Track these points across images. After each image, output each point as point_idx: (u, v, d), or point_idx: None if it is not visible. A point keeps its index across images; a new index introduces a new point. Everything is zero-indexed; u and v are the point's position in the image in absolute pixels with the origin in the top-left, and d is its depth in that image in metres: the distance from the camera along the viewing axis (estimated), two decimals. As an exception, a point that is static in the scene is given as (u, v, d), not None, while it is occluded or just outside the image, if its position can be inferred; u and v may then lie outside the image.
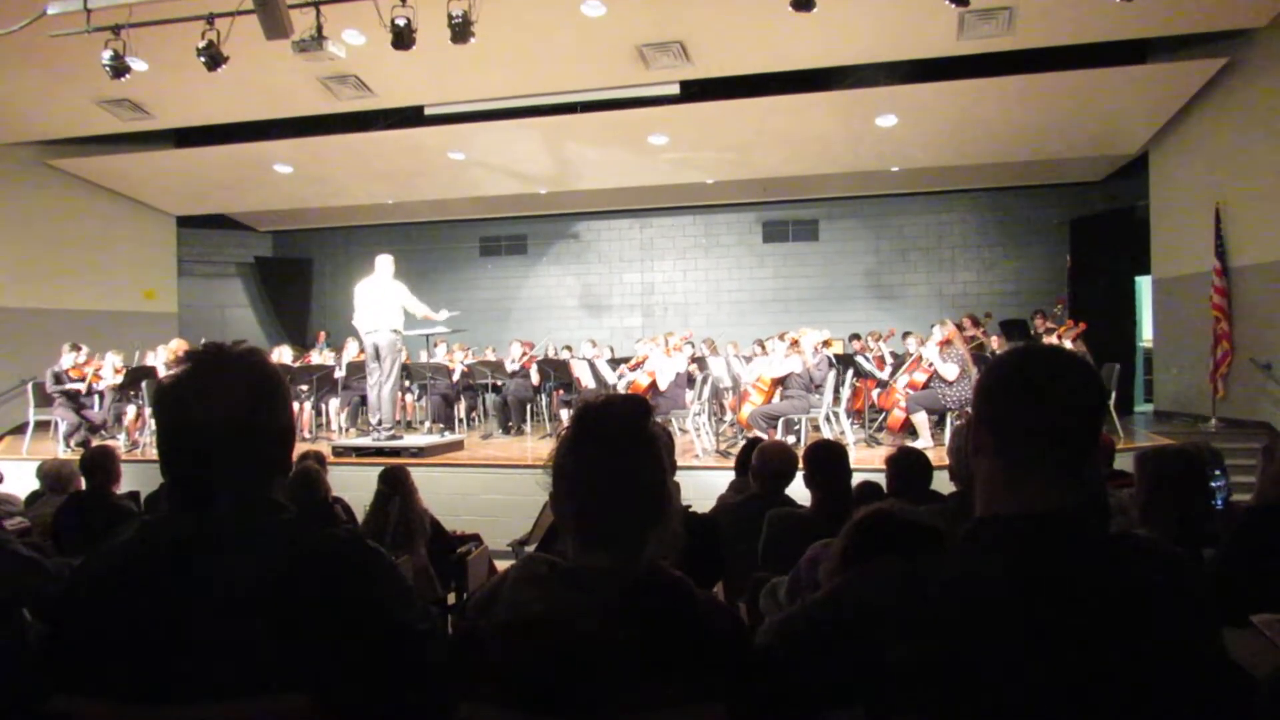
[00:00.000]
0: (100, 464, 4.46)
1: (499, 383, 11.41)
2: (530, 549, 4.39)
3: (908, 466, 3.85)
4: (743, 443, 5.75)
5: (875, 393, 10.13)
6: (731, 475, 5.10)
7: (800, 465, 4.01)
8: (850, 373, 9.58)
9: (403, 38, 7.04)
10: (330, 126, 11.53)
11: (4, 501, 4.95)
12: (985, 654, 1.12)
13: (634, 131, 11.57)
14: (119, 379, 10.23)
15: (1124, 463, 5.04)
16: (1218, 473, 3.28)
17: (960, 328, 9.45)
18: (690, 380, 9.53)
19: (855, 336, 12.36)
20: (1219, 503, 3.27)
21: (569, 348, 12.95)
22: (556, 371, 11.02)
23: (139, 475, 6.76)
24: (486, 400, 12.44)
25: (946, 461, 3.70)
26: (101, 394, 10.47)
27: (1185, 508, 2.60)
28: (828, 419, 8.86)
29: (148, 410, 9.74)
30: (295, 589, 1.30)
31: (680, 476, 2.78)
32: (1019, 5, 8.10)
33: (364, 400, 10.20)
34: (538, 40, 8.98)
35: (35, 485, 5.28)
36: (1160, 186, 11.47)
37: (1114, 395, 9.05)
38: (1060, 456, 1.22)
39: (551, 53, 9.33)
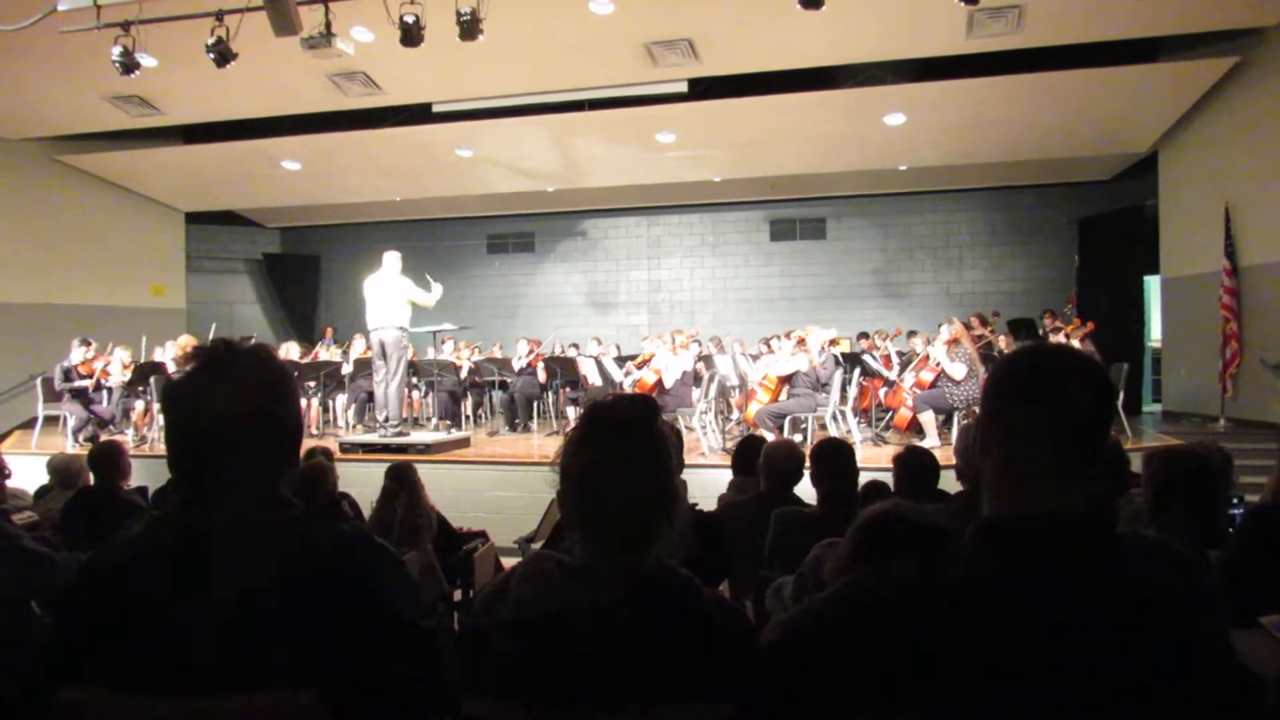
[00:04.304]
0: (108, 459, 4.48)
1: (506, 380, 11.43)
2: (537, 546, 4.40)
3: (914, 466, 3.84)
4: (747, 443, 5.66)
5: (882, 392, 10.11)
6: (737, 474, 5.07)
7: (807, 463, 4.02)
8: (857, 371, 9.56)
9: (411, 35, 7.05)
10: (338, 123, 11.54)
11: (13, 496, 4.96)
12: (992, 654, 1.12)
13: (642, 129, 11.56)
14: (127, 374, 10.27)
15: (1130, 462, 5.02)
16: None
17: (968, 327, 9.43)
18: (697, 378, 9.53)
19: (863, 335, 12.32)
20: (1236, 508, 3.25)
21: (575, 345, 12.96)
22: (563, 369, 11.02)
23: (147, 470, 6.78)
24: (493, 397, 12.49)
25: (953, 461, 3.69)
26: (110, 389, 10.51)
27: (1193, 509, 2.59)
28: (834, 418, 8.84)
29: (156, 406, 9.78)
30: (302, 584, 1.31)
31: (686, 475, 2.78)
32: (1028, 4, 8.06)
33: (371, 397, 10.22)
34: (546, 38, 8.97)
35: (44, 480, 5.31)
36: (1170, 186, 11.43)
37: (1122, 395, 9.02)
38: (1068, 456, 1.22)
39: (560, 50, 9.33)
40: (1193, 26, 9.06)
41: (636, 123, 11.29)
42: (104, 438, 8.36)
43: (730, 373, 9.72)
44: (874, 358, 10.10)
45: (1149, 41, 9.58)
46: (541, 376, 11.09)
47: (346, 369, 11.23)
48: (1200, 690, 1.12)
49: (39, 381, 10.60)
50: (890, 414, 9.81)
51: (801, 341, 8.86)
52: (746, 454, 4.69)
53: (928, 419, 8.51)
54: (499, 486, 7.95)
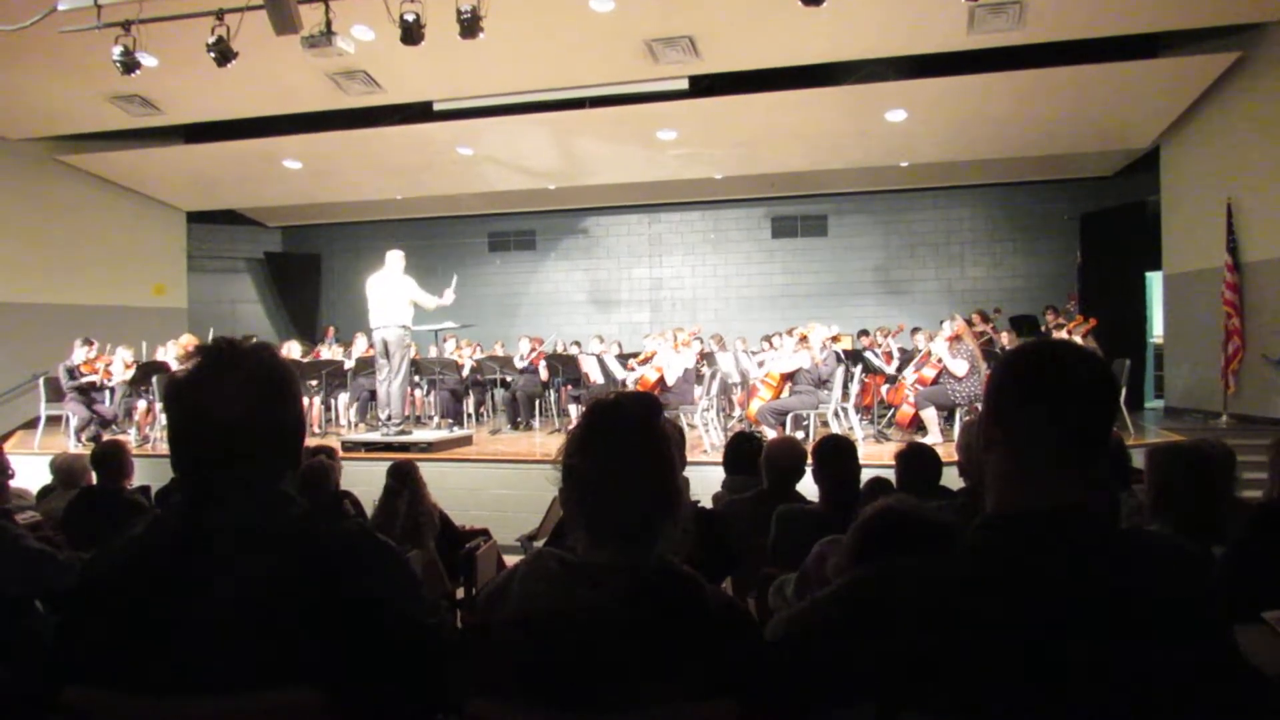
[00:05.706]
0: (111, 459, 4.48)
1: (508, 378, 11.43)
2: (539, 544, 4.40)
3: (917, 462, 3.83)
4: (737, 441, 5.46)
5: (884, 388, 10.11)
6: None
7: (809, 460, 4.01)
8: (859, 368, 9.56)
9: (411, 33, 7.05)
10: (339, 122, 11.54)
11: (16, 496, 4.96)
12: (995, 650, 1.12)
13: (642, 127, 11.56)
14: (130, 374, 10.28)
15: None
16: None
17: (970, 323, 9.42)
18: (698, 376, 9.52)
19: (864, 332, 12.32)
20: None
21: (577, 343, 12.96)
22: (565, 367, 11.03)
23: (150, 470, 6.79)
24: (495, 395, 12.49)
25: (955, 457, 3.69)
26: (112, 389, 10.52)
27: (1195, 505, 2.59)
28: (836, 415, 8.84)
29: (158, 405, 9.78)
30: (305, 582, 1.31)
31: (688, 472, 2.78)
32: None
33: (373, 395, 10.22)
34: (546, 35, 8.97)
35: (47, 480, 5.31)
36: (1171, 181, 11.41)
37: (1124, 391, 9.02)
38: (1071, 453, 1.22)
39: (560, 48, 9.32)
40: (1194, 21, 9.04)
41: (637, 120, 11.28)
42: (106, 437, 8.37)
43: (732, 370, 9.71)
44: (876, 354, 10.10)
45: (1150, 37, 9.56)
46: (543, 374, 11.08)
47: (348, 367, 11.24)
48: (1204, 688, 1.12)
49: (41, 381, 10.61)
50: (892, 411, 9.80)
51: (803, 338, 8.86)
52: (736, 452, 4.68)
53: (930, 415, 8.50)
54: (501, 485, 7.95)
